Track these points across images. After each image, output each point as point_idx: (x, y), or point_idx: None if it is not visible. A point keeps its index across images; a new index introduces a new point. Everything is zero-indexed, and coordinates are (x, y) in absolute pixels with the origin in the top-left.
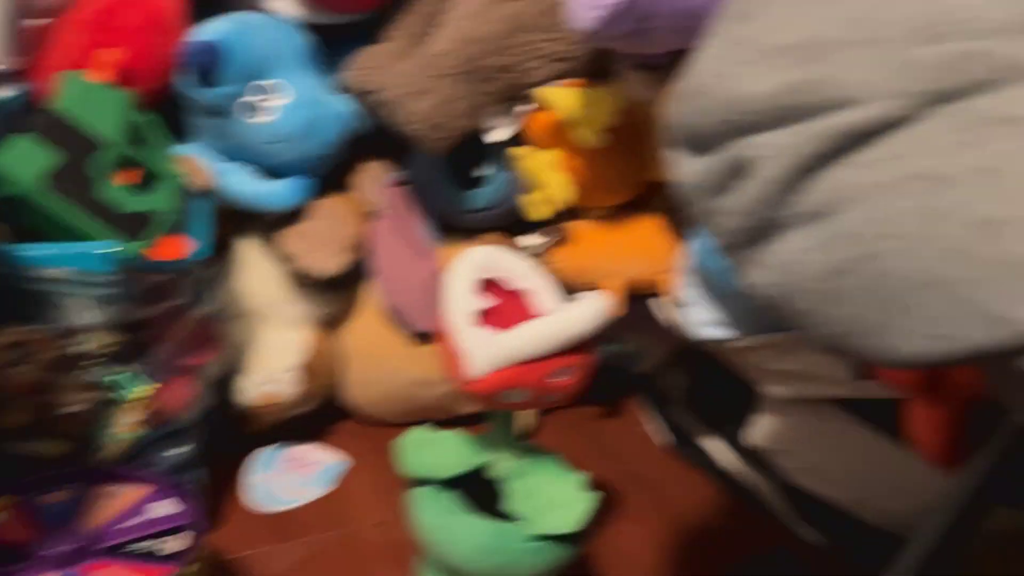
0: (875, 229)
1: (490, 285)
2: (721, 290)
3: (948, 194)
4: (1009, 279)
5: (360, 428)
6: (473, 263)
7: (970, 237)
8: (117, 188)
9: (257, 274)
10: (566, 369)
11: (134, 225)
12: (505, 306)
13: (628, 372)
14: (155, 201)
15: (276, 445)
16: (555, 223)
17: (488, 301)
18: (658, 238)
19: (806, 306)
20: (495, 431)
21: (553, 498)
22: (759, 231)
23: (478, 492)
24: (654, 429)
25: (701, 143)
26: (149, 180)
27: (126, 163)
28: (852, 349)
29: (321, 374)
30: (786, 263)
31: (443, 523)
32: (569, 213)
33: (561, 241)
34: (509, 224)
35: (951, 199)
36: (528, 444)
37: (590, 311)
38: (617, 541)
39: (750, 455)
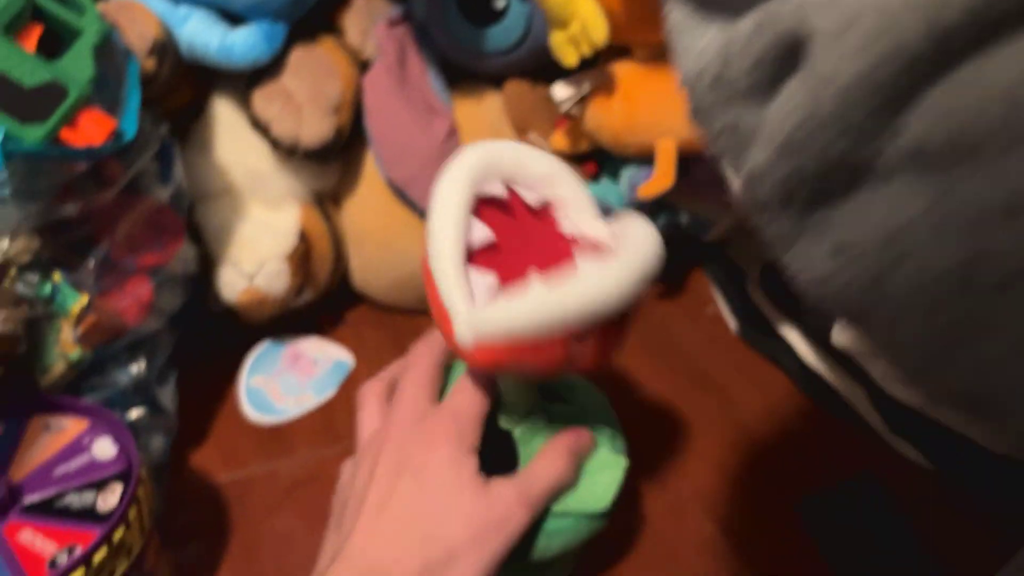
0: None
1: (495, 201)
2: None
3: None
4: None
5: (372, 316)
6: (468, 172)
7: None
8: (17, 53)
9: (233, 145)
10: (588, 336)
11: (39, 103)
12: (518, 229)
13: (692, 244)
14: (68, 67)
15: (273, 341)
16: (592, 67)
17: (486, 233)
18: None
19: (915, 334)
20: (505, 380)
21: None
22: (822, 181)
23: (496, 445)
24: (723, 313)
25: None
26: (60, 39)
27: (29, 18)
28: (986, 414)
29: (319, 260)
30: (875, 248)
31: None
32: (610, 53)
33: (603, 89)
34: (539, 68)
35: None
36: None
37: (635, 271)
38: (673, 458)
39: (839, 354)
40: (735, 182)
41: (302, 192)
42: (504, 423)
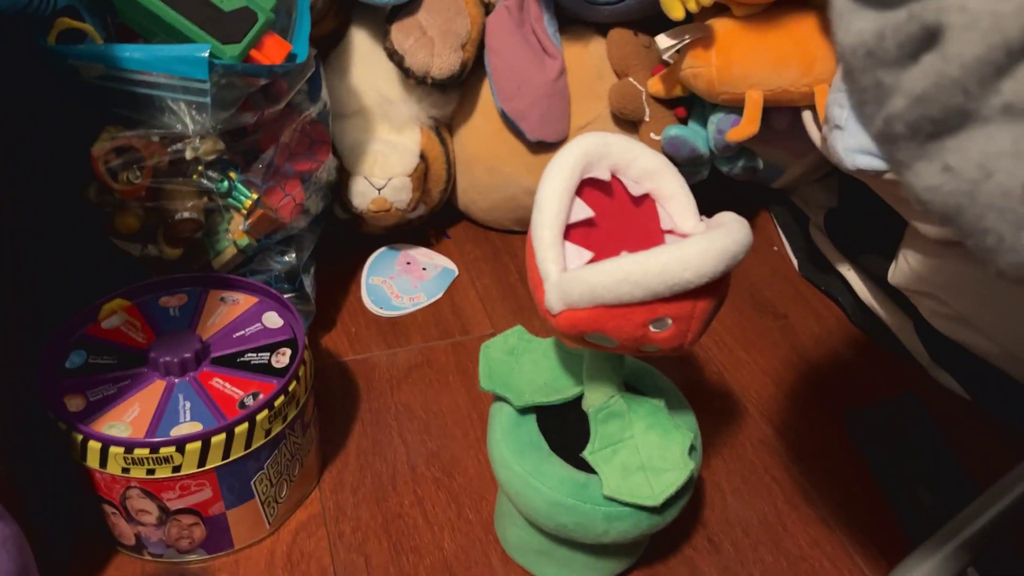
0: None
1: (602, 186)
2: None
3: None
4: None
5: (473, 233)
6: (577, 156)
7: None
8: None
9: (367, 72)
10: (667, 319)
11: (234, 26)
12: (618, 215)
13: (764, 187)
14: None
15: (389, 248)
16: (695, 20)
17: (586, 211)
18: (816, 42)
19: (991, 226)
20: (591, 361)
21: (644, 456)
22: (941, 122)
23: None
24: (786, 251)
25: None
26: None
27: None
28: None
29: (434, 179)
30: (972, 168)
31: (516, 461)
32: (713, 9)
33: (701, 42)
34: (643, 19)
35: None
36: (643, 369)
37: (717, 247)
38: (738, 371)
39: (890, 291)
40: (811, 130)
41: (424, 118)
42: (586, 404)
